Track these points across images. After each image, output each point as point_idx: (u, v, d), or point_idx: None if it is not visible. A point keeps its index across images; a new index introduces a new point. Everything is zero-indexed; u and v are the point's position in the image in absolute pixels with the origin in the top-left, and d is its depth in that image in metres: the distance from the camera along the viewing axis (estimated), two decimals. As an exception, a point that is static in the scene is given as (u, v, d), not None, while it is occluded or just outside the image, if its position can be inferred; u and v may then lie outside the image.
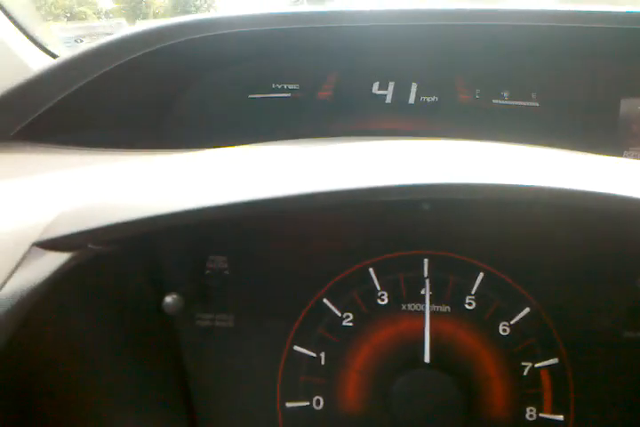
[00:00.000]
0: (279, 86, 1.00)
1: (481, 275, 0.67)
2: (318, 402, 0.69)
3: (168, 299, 0.64)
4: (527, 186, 0.48)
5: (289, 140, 0.81)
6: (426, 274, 0.67)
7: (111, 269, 0.59)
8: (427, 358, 0.64)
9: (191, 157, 0.73)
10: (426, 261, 0.68)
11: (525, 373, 0.66)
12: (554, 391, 0.66)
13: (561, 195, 0.49)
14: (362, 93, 1.01)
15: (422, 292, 0.68)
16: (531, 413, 0.66)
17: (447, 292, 0.68)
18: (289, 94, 1.00)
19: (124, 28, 0.91)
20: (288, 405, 0.69)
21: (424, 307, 0.67)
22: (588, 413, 0.66)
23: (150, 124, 0.95)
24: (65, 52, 1.01)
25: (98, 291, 0.59)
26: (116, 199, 0.56)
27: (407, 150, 0.67)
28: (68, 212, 0.54)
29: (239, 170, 0.63)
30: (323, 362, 0.68)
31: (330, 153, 0.68)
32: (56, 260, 0.51)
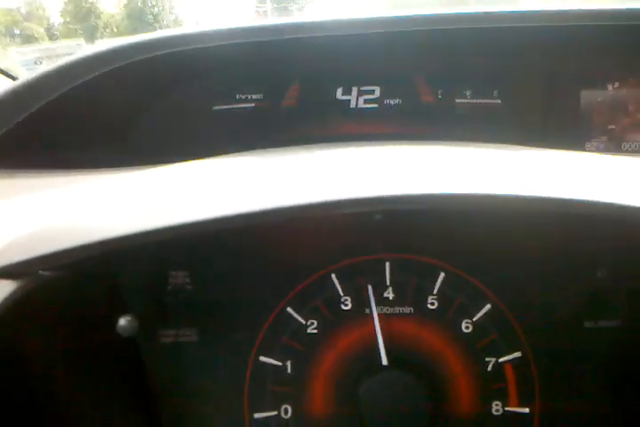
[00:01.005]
0: (243, 97, 1.01)
1: (442, 275, 0.68)
2: (286, 411, 0.69)
3: (122, 321, 0.64)
4: (477, 195, 0.49)
5: (250, 152, 0.81)
6: (387, 278, 0.68)
7: (64, 293, 0.58)
8: (384, 361, 0.65)
9: (152, 173, 0.72)
10: (387, 264, 0.68)
11: (490, 368, 0.67)
12: (518, 385, 0.67)
13: (514, 202, 0.50)
14: (326, 100, 1.01)
15: (385, 294, 0.68)
16: (497, 407, 0.67)
17: (409, 293, 0.68)
18: (253, 104, 1.01)
19: (83, 49, 0.90)
20: (256, 416, 0.69)
21: (381, 310, 0.68)
22: (554, 404, 0.67)
23: (114, 142, 0.95)
24: (24, 75, 1.00)
25: (52, 316, 0.58)
26: (68, 223, 0.55)
27: (363, 159, 0.68)
28: (18, 238, 0.53)
29: (194, 186, 0.62)
30: (289, 371, 0.69)
31: (289, 164, 0.69)
32: (6, 287, 0.50)
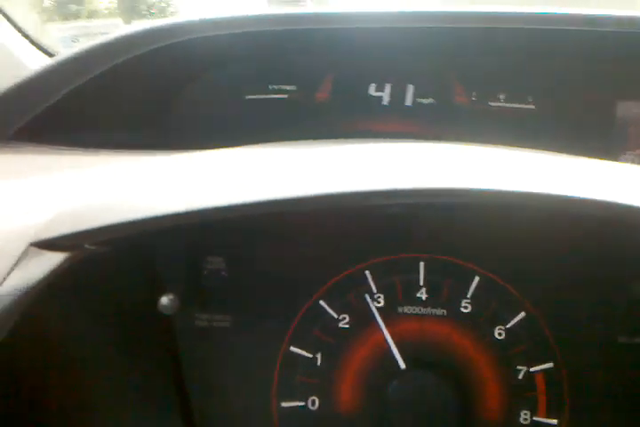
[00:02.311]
0: (276, 87, 1.00)
1: (476, 279, 0.67)
2: (314, 402, 0.69)
3: (164, 299, 0.65)
4: (518, 192, 0.49)
5: (286, 142, 0.82)
6: (421, 277, 0.68)
7: (108, 269, 0.60)
8: (401, 364, 0.65)
9: (189, 157, 0.73)
10: (422, 264, 0.68)
11: (520, 376, 0.67)
12: (548, 395, 0.66)
13: (552, 200, 0.49)
14: (358, 95, 1.01)
15: (418, 295, 0.68)
16: (525, 416, 0.67)
17: (443, 295, 0.68)
18: (286, 95, 1.00)
19: (119, 28, 0.91)
20: (283, 404, 0.70)
21: (419, 310, 0.68)
22: (582, 418, 0.66)
23: (149, 125, 0.95)
24: (62, 52, 1.01)
25: (94, 291, 0.59)
26: (112, 200, 0.56)
27: (402, 153, 0.68)
28: (65, 212, 0.54)
29: (235, 171, 0.63)
30: (319, 363, 0.69)
31: (325, 156, 0.68)
32: (53, 260, 0.50)
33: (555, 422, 0.66)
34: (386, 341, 0.66)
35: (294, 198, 0.49)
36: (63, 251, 0.51)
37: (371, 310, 0.68)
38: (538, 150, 0.81)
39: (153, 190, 0.58)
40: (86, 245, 0.52)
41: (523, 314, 0.67)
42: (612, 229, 0.55)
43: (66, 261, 0.51)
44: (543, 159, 0.69)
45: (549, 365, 0.66)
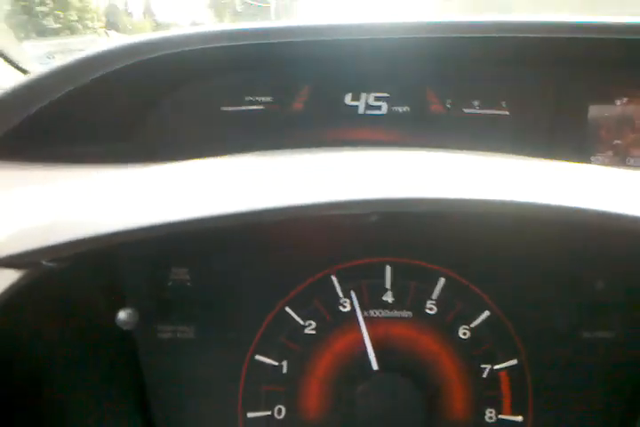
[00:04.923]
0: (252, 99, 1.01)
1: (442, 280, 0.68)
2: (280, 411, 0.69)
3: (121, 314, 0.65)
4: (482, 200, 0.50)
5: (255, 152, 0.82)
6: (387, 281, 0.68)
7: (66, 284, 0.59)
8: (374, 366, 0.65)
9: (155, 170, 0.73)
10: (388, 268, 0.68)
11: (485, 375, 0.67)
12: (513, 393, 0.67)
13: (516, 208, 0.50)
14: (335, 105, 1.02)
15: (384, 298, 0.68)
16: (490, 414, 0.67)
17: (409, 297, 0.68)
18: (262, 107, 1.01)
19: (95, 45, 0.91)
20: (249, 415, 0.69)
21: (386, 313, 0.68)
22: (547, 413, 0.67)
23: (122, 139, 0.95)
24: (37, 69, 1.01)
25: (52, 306, 0.59)
26: (72, 215, 0.56)
27: (370, 162, 0.68)
28: (23, 229, 0.54)
29: (198, 184, 0.63)
30: (284, 371, 0.69)
31: (292, 165, 0.69)
32: (10, 276, 0.51)
33: (520, 418, 0.67)
34: (362, 342, 0.66)
35: (255, 211, 0.50)
36: (20, 268, 0.51)
37: (338, 315, 0.69)
38: (512, 155, 0.82)
39: (116, 205, 0.58)
40: (44, 262, 0.52)
41: (487, 313, 0.68)
42: (576, 230, 0.56)
43: (23, 278, 0.51)
44: (512, 164, 0.70)
45: (513, 362, 0.67)
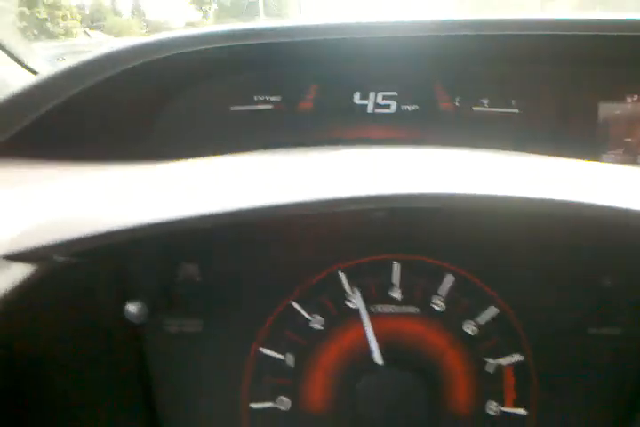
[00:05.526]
0: (261, 98, 1.01)
1: (449, 276, 0.68)
2: (284, 402, 0.69)
3: (131, 307, 0.65)
4: (488, 196, 0.50)
5: (264, 151, 0.82)
6: (395, 278, 0.69)
7: (78, 279, 0.60)
8: (378, 360, 0.65)
9: (164, 168, 0.74)
10: (395, 264, 0.69)
11: (490, 369, 0.67)
12: (517, 387, 0.68)
13: (523, 204, 0.50)
14: (343, 104, 1.02)
15: (392, 294, 0.69)
16: (493, 407, 0.67)
17: (416, 294, 0.69)
18: (271, 106, 1.01)
19: (104, 46, 0.92)
20: (253, 406, 0.70)
21: (393, 309, 0.69)
22: (551, 408, 0.67)
23: (133, 138, 0.96)
24: (47, 70, 1.02)
25: (64, 300, 0.60)
26: (85, 211, 0.57)
27: (380, 160, 0.69)
28: (36, 224, 0.55)
29: (212, 181, 0.64)
30: (290, 364, 0.69)
31: (301, 163, 0.69)
32: (23, 271, 0.51)
33: (523, 411, 0.67)
34: (365, 337, 0.67)
35: (265, 207, 0.50)
36: (33, 262, 0.52)
37: (345, 310, 0.69)
38: (522, 153, 0.82)
39: (127, 201, 0.59)
40: (55, 257, 0.53)
41: (493, 309, 0.68)
42: (585, 227, 0.55)
43: (34, 273, 0.51)
44: (522, 161, 0.70)
45: (519, 357, 0.67)
